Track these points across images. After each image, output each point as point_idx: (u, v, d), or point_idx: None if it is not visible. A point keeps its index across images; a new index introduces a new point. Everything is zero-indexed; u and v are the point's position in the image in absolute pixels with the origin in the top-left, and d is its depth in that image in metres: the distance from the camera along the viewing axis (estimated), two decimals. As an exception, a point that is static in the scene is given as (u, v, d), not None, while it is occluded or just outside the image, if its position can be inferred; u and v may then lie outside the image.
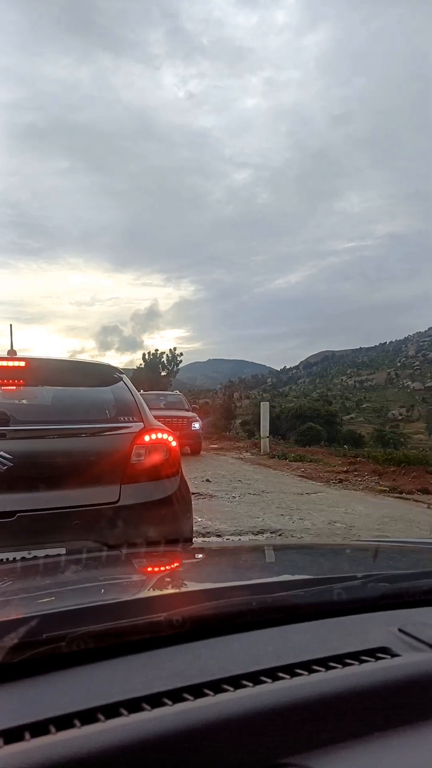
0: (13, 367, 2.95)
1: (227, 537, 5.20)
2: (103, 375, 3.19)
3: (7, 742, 0.56)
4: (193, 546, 2.73)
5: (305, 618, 0.89)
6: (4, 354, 3.24)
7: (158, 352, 37.42)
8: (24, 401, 3.16)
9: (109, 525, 2.49)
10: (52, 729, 0.58)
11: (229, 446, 17.41)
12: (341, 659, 0.74)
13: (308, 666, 0.72)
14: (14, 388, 3.08)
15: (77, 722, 0.59)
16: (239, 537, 5.19)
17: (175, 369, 36.72)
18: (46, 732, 0.58)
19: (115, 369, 3.27)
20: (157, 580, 1.35)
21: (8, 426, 2.54)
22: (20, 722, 0.59)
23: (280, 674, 0.70)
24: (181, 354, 38.06)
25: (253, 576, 1.35)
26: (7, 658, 0.69)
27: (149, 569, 1.48)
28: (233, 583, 1.18)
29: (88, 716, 0.61)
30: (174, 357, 36.97)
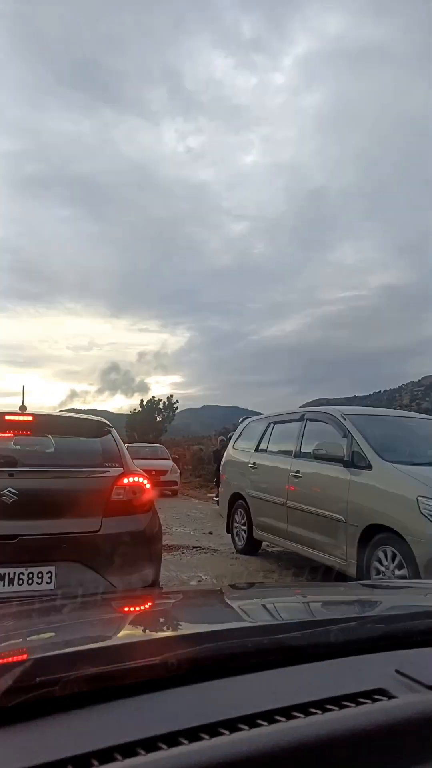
0: (23, 420, 3.68)
1: (201, 578, 5.81)
2: (96, 428, 3.90)
3: None
4: (185, 588, 3.09)
5: (302, 660, 0.88)
6: (16, 409, 4.14)
7: (155, 399, 37.92)
8: (30, 448, 3.76)
9: (91, 549, 3.10)
10: None
11: (202, 492, 18.76)
12: (338, 701, 0.74)
13: (305, 708, 0.72)
14: (23, 437, 3.75)
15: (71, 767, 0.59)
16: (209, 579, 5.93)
17: (171, 415, 37.35)
18: None
19: (106, 424, 3.96)
20: (151, 622, 1.37)
21: (16, 467, 3.21)
22: (21, 766, 0.59)
23: (277, 717, 0.69)
24: (177, 401, 38.51)
25: (248, 618, 1.36)
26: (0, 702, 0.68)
27: (143, 612, 1.49)
28: (229, 626, 1.19)
29: (81, 762, 0.60)
30: (170, 404, 37.59)
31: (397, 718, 0.71)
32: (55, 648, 0.97)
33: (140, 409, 37.31)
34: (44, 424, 3.83)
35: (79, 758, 0.60)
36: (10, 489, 3.04)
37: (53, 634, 1.19)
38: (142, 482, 3.46)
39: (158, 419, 36.05)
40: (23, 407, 4.19)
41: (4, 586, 2.91)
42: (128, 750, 0.62)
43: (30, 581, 2.96)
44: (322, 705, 0.73)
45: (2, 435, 3.63)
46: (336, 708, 0.72)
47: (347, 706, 0.73)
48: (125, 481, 3.37)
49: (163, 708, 0.74)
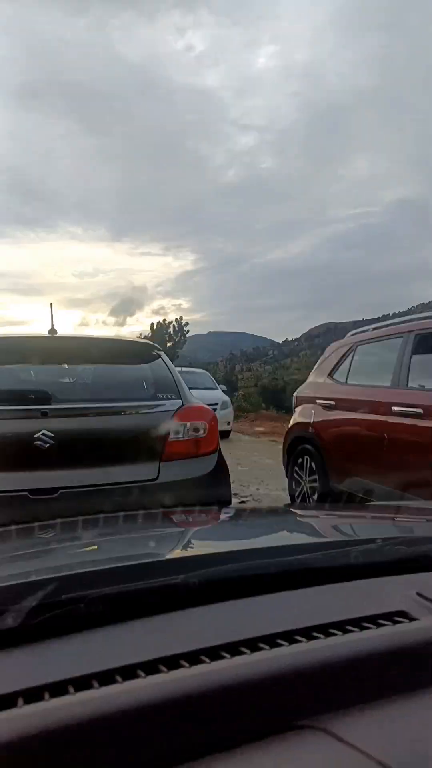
0: (56, 346, 3.05)
1: (245, 497, 5.88)
2: (142, 352, 3.27)
3: (26, 702, 0.57)
4: (210, 509, 2.88)
5: (322, 581, 0.89)
6: (45, 333, 3.31)
7: (165, 321, 36.32)
8: (65, 380, 3.18)
9: (147, 503, 2.57)
10: (71, 689, 0.59)
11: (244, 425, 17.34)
12: (358, 623, 0.74)
13: (325, 629, 0.72)
14: (56, 366, 3.11)
15: (95, 683, 0.61)
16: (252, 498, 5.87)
17: (182, 340, 35.68)
18: (65, 692, 0.59)
19: (154, 346, 3.35)
20: (174, 541, 1.39)
21: (50, 405, 2.61)
22: (40, 682, 0.60)
23: (297, 637, 0.70)
24: (187, 324, 36.65)
25: (270, 539, 1.37)
26: (26, 619, 0.70)
27: (167, 531, 1.52)
28: (250, 546, 1.21)
29: (105, 678, 0.62)
30: (181, 327, 35.83)
31: (419, 640, 0.72)
32: (81, 567, 1.00)
33: (150, 333, 35.67)
34: (81, 349, 3.24)
35: (104, 674, 0.62)
36: (44, 432, 2.51)
37: (78, 553, 1.21)
38: (206, 416, 2.92)
39: (169, 344, 34.03)
40: (53, 330, 3.26)
41: None
42: (151, 667, 0.63)
43: None
44: (342, 626, 0.73)
45: (35, 364, 3.06)
46: (357, 629, 0.73)
47: (368, 628, 0.74)
48: (186, 415, 2.83)
49: (184, 627, 0.75)
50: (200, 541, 1.39)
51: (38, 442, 2.50)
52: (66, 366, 3.14)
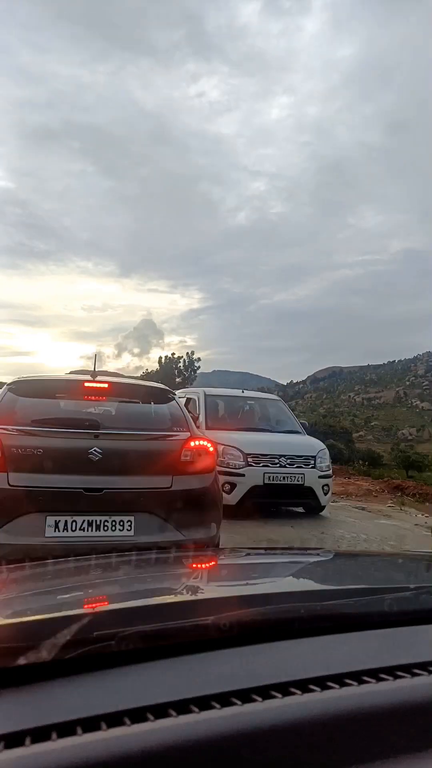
0: (99, 387, 4.07)
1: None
2: (162, 394, 4.33)
3: (60, 735, 0.58)
4: (240, 549, 3.21)
5: (355, 628, 0.88)
6: (87, 376, 4.43)
7: (174, 356, 35.05)
8: (106, 412, 4.28)
9: (163, 503, 3.55)
10: (104, 726, 0.59)
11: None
12: (392, 671, 0.73)
13: (358, 677, 0.71)
14: (100, 402, 4.25)
15: (127, 720, 0.60)
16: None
17: (192, 375, 34.05)
18: (98, 728, 0.59)
19: (169, 390, 4.45)
20: (205, 582, 1.39)
21: (99, 429, 3.65)
22: (72, 717, 0.60)
23: (330, 683, 0.69)
24: (199, 359, 35.20)
25: (301, 583, 1.35)
26: (59, 654, 0.70)
27: (197, 571, 1.51)
28: (282, 590, 1.20)
29: (137, 715, 0.61)
30: (191, 362, 34.49)
31: None
32: (113, 604, 0.99)
33: (158, 367, 34.69)
34: (117, 390, 4.24)
35: (135, 711, 0.62)
36: (96, 449, 3.49)
37: (111, 590, 1.23)
38: (207, 446, 3.88)
39: (178, 379, 32.87)
40: (95, 374, 4.29)
41: (93, 531, 3.38)
42: (182, 707, 0.63)
43: (113, 528, 3.42)
44: (376, 674, 0.72)
45: (84, 399, 4.12)
46: (390, 678, 0.72)
47: (402, 677, 0.72)
48: (192, 444, 3.78)
49: (215, 668, 0.75)
50: (230, 582, 1.39)
51: (91, 455, 3.49)
52: (107, 402, 4.24)
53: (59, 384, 4.37)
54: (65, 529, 3.34)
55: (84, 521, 3.39)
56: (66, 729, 0.59)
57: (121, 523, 3.46)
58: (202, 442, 3.86)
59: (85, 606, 0.97)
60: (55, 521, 3.33)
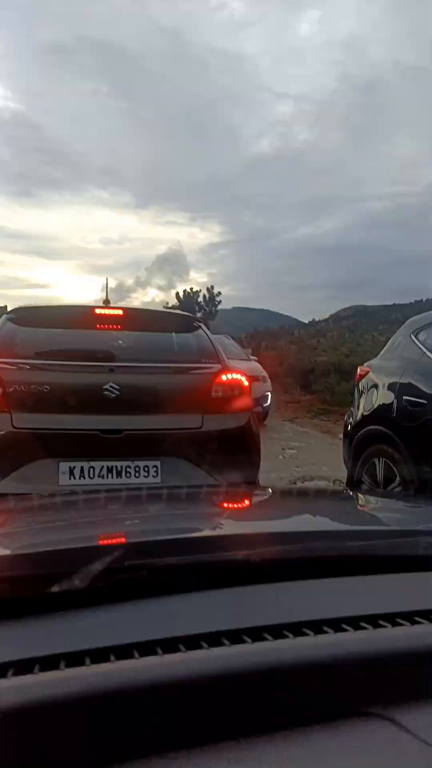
0: (113, 315, 3.65)
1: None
2: (186, 323, 3.94)
3: (93, 662, 0.59)
4: (275, 487, 3.15)
5: (388, 570, 0.87)
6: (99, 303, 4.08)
7: (194, 290, 33.77)
8: (123, 343, 3.73)
9: (194, 446, 3.14)
10: (136, 654, 0.60)
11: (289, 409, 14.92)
12: (428, 615, 0.72)
13: (392, 619, 0.70)
14: (115, 331, 3.74)
15: (159, 650, 0.61)
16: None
17: (213, 311, 32.82)
18: (131, 656, 0.60)
19: (195, 318, 4.11)
20: (238, 518, 1.40)
21: (115, 362, 3.26)
22: (105, 644, 0.61)
23: (363, 624, 0.69)
24: (219, 294, 33.94)
25: (334, 523, 1.35)
26: (92, 583, 0.71)
27: (230, 507, 1.52)
28: (316, 528, 1.20)
29: (169, 645, 0.62)
30: (212, 297, 33.26)
31: None
32: (146, 535, 1.00)
33: (176, 302, 33.68)
34: (134, 318, 3.80)
35: (167, 642, 0.62)
36: (111, 384, 3.07)
37: (143, 522, 1.24)
38: (241, 379, 3.43)
39: (199, 314, 31.37)
40: (107, 301, 4.02)
41: (113, 478, 2.99)
42: (215, 639, 0.63)
43: (137, 474, 3.03)
44: (410, 617, 0.71)
45: (96, 329, 3.62)
46: (426, 621, 0.71)
47: None
48: (224, 378, 3.34)
49: (247, 603, 0.75)
50: (263, 520, 1.38)
51: (106, 392, 3.06)
52: (123, 331, 3.74)
53: (67, 312, 3.85)
54: (81, 476, 2.96)
55: (103, 467, 2.99)
56: (99, 655, 0.60)
57: (146, 469, 3.05)
58: (235, 376, 3.42)
59: (118, 536, 0.97)
60: (70, 467, 2.95)
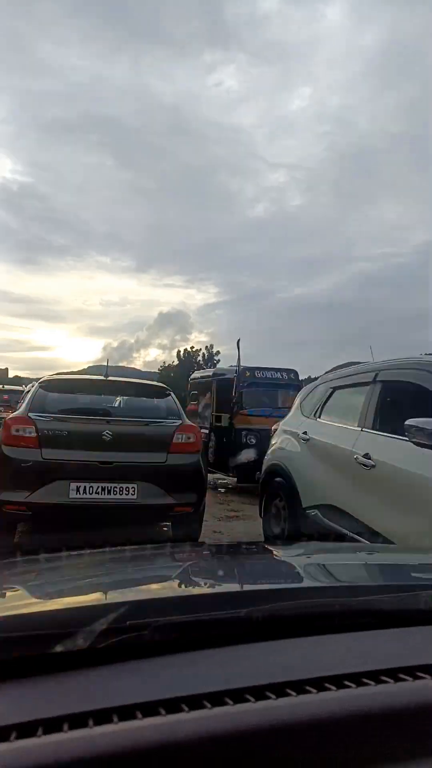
0: (110, 385, 5.34)
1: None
2: (159, 391, 5.50)
3: (96, 723, 0.58)
4: (266, 544, 3.27)
5: (389, 624, 0.87)
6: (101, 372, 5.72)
7: (194, 349, 34.69)
8: (115, 404, 5.25)
9: (161, 474, 4.54)
10: (139, 715, 0.59)
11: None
12: (430, 669, 0.72)
13: (395, 674, 0.70)
14: (110, 396, 5.28)
15: (162, 711, 0.60)
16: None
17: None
18: (133, 717, 0.59)
19: (166, 388, 5.58)
20: (239, 575, 1.37)
21: (110, 417, 4.80)
22: (107, 705, 0.60)
23: (365, 680, 0.68)
24: (218, 353, 34.56)
25: (333, 577, 1.33)
26: (94, 642, 0.71)
27: (230, 564, 1.50)
28: (315, 584, 1.19)
29: (172, 706, 0.61)
30: (211, 356, 33.93)
31: None
32: (146, 594, 1.00)
33: (176, 361, 34.32)
34: (124, 387, 5.51)
35: (170, 702, 0.61)
36: (107, 431, 4.52)
37: (142, 580, 1.24)
38: (195, 429, 5.05)
39: None
40: (107, 374, 5.50)
41: (105, 494, 4.36)
42: (217, 699, 0.63)
43: (121, 492, 4.40)
44: (413, 672, 0.71)
45: (97, 394, 5.27)
46: (429, 676, 0.70)
47: None
48: (182, 428, 4.82)
49: (249, 661, 0.74)
50: (263, 576, 1.38)
51: (104, 436, 4.51)
52: (115, 396, 5.29)
53: (79, 382, 5.63)
54: (84, 492, 4.34)
55: (99, 486, 4.37)
56: (102, 716, 0.59)
57: (127, 489, 4.42)
58: (190, 427, 5.00)
59: (119, 596, 0.97)
60: (77, 486, 4.33)
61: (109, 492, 4.35)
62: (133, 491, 4.40)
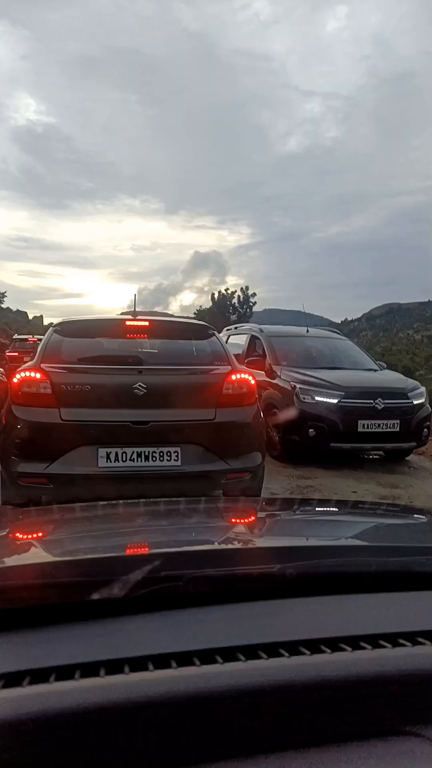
0: (141, 325, 4.26)
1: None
2: (201, 331, 4.58)
3: (132, 670, 0.59)
4: (302, 497, 3.66)
5: (426, 587, 0.85)
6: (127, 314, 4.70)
7: (228, 291, 32.66)
8: (149, 349, 4.41)
9: (208, 434, 3.74)
10: (173, 663, 0.60)
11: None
12: None
13: (413, 638, 0.69)
14: (142, 339, 4.41)
15: (197, 661, 0.61)
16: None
17: (248, 312, 32.05)
18: (168, 666, 0.60)
19: (209, 327, 4.69)
20: (274, 531, 1.39)
21: (142, 365, 3.92)
22: (142, 653, 0.62)
23: (401, 641, 0.68)
24: (254, 294, 32.45)
25: (367, 537, 1.31)
26: (129, 591, 0.71)
27: (266, 520, 1.51)
28: (349, 543, 1.18)
29: (206, 657, 0.62)
30: (247, 298, 32.22)
31: None
32: (182, 546, 1.02)
33: (210, 304, 33.04)
34: (158, 328, 4.48)
35: (204, 653, 0.63)
36: (140, 383, 3.66)
37: (178, 533, 1.26)
38: (248, 379, 4.04)
39: (233, 317, 30.89)
40: (134, 313, 4.53)
41: (142, 461, 3.58)
42: (251, 652, 0.63)
43: (161, 458, 3.61)
44: (431, 636, 0.70)
45: (126, 338, 4.32)
46: None
47: None
48: (233, 377, 3.94)
49: (281, 616, 0.75)
50: (299, 533, 1.38)
51: (136, 390, 3.67)
52: (148, 339, 4.44)
53: (102, 324, 4.61)
54: (116, 459, 3.54)
55: (133, 452, 3.58)
56: (137, 664, 0.61)
57: (168, 454, 3.63)
58: (243, 376, 4.04)
59: (154, 547, 1.01)
60: (107, 453, 3.54)
61: (146, 458, 3.58)
62: (176, 456, 3.63)
